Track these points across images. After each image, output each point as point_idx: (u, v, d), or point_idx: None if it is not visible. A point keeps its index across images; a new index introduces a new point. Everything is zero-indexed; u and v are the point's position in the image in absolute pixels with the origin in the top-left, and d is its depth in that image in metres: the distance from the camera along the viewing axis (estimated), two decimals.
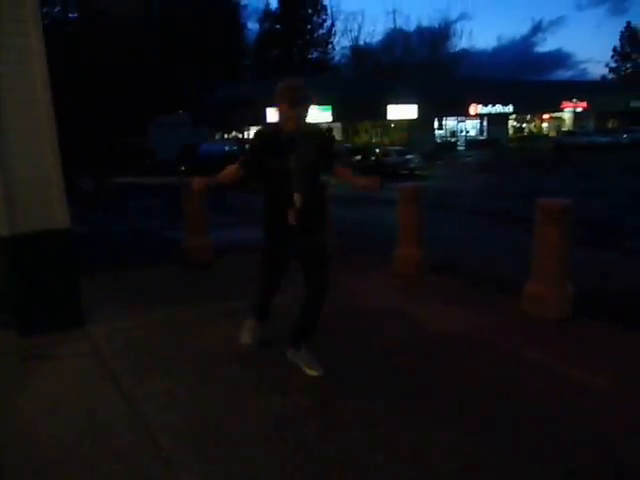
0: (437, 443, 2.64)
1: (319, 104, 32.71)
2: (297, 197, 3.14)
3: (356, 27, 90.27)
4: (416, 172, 23.90)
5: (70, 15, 40.28)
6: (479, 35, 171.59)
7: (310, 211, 3.21)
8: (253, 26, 77.40)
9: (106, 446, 2.70)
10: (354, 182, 3.30)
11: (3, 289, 4.18)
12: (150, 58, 34.60)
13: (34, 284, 4.12)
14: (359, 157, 28.09)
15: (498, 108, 42.87)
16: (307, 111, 3.16)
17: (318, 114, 29.17)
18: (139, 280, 5.73)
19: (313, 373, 3.34)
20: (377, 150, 27.03)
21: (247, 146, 3.38)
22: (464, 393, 3.13)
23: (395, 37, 58.06)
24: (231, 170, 3.36)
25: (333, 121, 28.00)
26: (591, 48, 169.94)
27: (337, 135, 27.10)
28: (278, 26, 51.87)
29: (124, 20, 36.75)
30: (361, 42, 59.49)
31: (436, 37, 57.23)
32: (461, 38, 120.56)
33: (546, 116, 47.50)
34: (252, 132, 24.22)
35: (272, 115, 23.91)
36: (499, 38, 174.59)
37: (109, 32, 35.76)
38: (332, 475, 2.44)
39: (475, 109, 42.00)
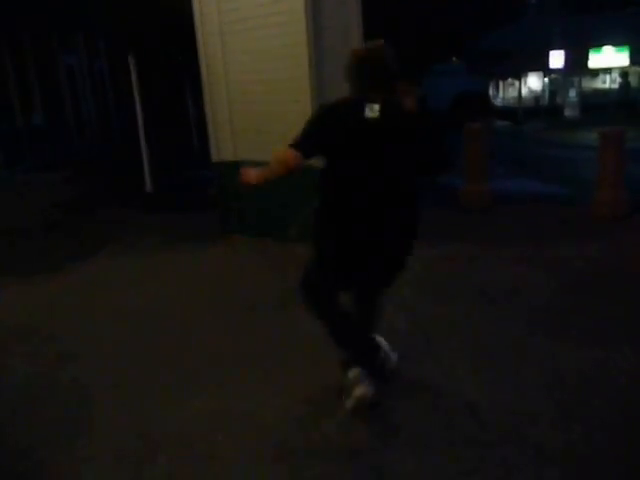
0: None
1: (615, 44, 28.85)
2: None
3: None
4: None
5: None
6: None
7: None
8: None
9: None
10: None
11: None
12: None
13: None
14: None
15: None
16: None
17: (613, 56, 25.89)
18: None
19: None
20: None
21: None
22: None
23: None
24: None
25: (630, 64, 24.43)
26: None
27: (634, 80, 23.73)
28: None
29: None
30: None
31: None
32: None
33: None
34: (531, 79, 22.73)
35: (556, 59, 21.91)
36: None
37: None
38: None
39: None
